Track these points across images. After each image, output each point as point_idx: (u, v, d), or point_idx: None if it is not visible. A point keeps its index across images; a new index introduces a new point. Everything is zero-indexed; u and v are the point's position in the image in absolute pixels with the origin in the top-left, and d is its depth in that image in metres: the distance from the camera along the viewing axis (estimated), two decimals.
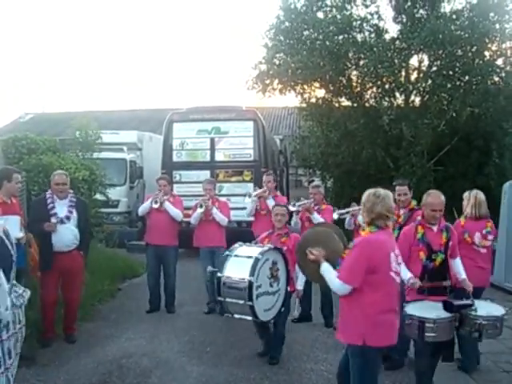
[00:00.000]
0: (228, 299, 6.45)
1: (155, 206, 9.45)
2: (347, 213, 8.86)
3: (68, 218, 7.63)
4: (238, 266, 6.46)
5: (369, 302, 4.52)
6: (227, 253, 6.72)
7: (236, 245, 6.86)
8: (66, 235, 7.59)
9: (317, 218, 8.73)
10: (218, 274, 6.52)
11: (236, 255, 6.63)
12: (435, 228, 5.94)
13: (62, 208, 7.64)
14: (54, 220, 7.47)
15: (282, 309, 6.77)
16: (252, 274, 6.41)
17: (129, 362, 7.12)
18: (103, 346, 7.78)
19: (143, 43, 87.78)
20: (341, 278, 4.60)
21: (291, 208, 9.09)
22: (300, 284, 6.92)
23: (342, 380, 4.99)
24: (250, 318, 6.47)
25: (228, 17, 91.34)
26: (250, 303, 6.36)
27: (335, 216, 8.83)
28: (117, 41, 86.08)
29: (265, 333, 7.31)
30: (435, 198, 5.92)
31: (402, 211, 7.06)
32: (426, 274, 5.78)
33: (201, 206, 9.44)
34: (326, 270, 4.86)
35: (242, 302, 6.36)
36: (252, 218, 9.97)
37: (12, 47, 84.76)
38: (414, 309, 5.33)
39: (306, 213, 8.89)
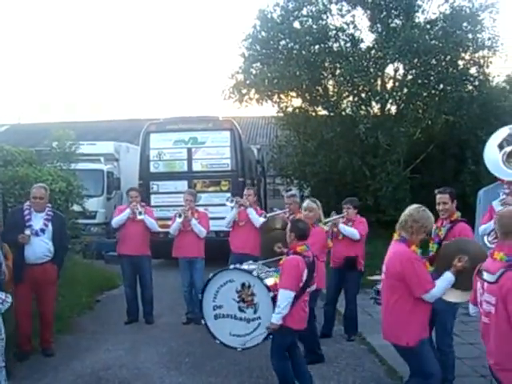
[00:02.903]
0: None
1: (140, 217, 9.47)
2: (329, 222, 8.69)
3: (43, 230, 7.59)
4: None
5: None
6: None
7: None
8: (39, 248, 7.56)
9: None
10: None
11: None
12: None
13: (38, 220, 7.61)
14: (27, 232, 7.42)
15: (270, 337, 6.01)
16: (203, 291, 6.47)
17: (108, 374, 7.10)
18: (82, 358, 7.73)
19: (120, 54, 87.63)
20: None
21: (262, 219, 9.34)
22: (279, 318, 5.72)
23: None
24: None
25: (205, 27, 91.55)
26: (203, 321, 6.43)
27: (325, 228, 8.67)
28: (93, 52, 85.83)
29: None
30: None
31: (444, 222, 6.43)
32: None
33: (179, 216, 9.44)
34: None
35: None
36: (230, 229, 9.96)
37: None
38: None
39: None
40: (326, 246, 7.72)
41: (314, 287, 6.13)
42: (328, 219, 8.61)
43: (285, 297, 5.62)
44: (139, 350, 8.06)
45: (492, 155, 7.62)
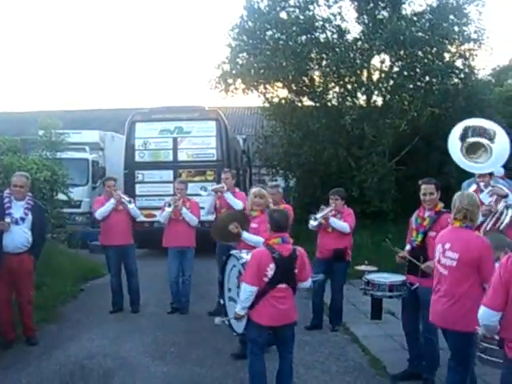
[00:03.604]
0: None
1: (130, 205, 9.62)
2: (322, 217, 8.64)
3: (23, 219, 7.55)
4: None
5: None
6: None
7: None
8: (18, 237, 7.51)
9: None
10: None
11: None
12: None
13: (18, 209, 7.56)
14: (7, 219, 7.38)
15: None
16: (222, 272, 6.48)
17: (92, 363, 7.09)
18: (65, 347, 7.73)
19: (106, 42, 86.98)
20: None
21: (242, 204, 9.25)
22: (240, 308, 5.66)
23: None
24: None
25: (192, 17, 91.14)
26: (221, 300, 6.41)
27: (315, 223, 8.63)
28: (79, 40, 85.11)
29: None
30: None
31: (427, 213, 6.50)
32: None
33: (169, 205, 9.43)
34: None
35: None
36: (212, 217, 9.85)
37: None
38: None
39: None
40: None
41: (306, 284, 5.93)
42: (320, 214, 8.59)
43: (244, 290, 5.53)
44: (124, 340, 8.06)
45: (454, 151, 7.63)
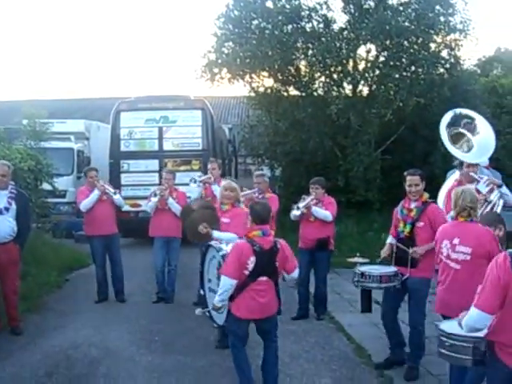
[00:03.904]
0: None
1: (116, 196, 9.58)
2: (304, 206, 8.57)
3: (7, 209, 7.49)
4: None
5: None
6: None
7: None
8: (3, 227, 7.46)
9: None
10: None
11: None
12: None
13: (1, 199, 7.50)
14: None
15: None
16: (201, 263, 6.43)
17: (76, 353, 7.08)
18: (50, 337, 7.70)
19: (90, 31, 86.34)
20: None
21: None
22: (218, 300, 5.57)
23: None
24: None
25: (177, 5, 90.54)
26: (201, 291, 6.37)
27: (298, 213, 8.58)
28: (64, 28, 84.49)
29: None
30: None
31: (413, 204, 6.51)
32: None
33: (155, 195, 9.41)
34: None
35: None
36: None
37: None
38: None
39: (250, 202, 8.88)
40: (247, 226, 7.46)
41: (294, 275, 5.89)
42: (302, 204, 8.59)
43: (223, 283, 5.49)
44: (109, 329, 8.04)
45: (444, 138, 7.74)
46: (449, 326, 4.21)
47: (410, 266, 6.32)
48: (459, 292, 5.20)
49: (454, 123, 7.65)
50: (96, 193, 9.43)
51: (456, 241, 5.25)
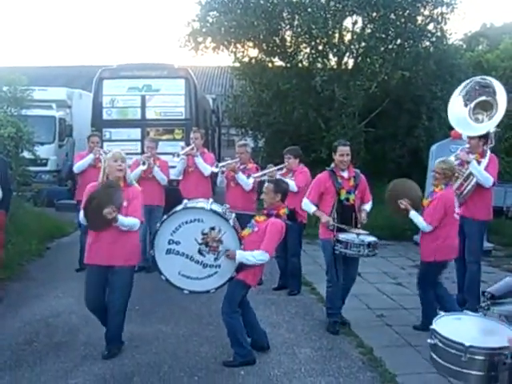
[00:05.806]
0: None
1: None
2: (264, 175, 8.56)
3: None
4: None
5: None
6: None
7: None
8: None
9: (241, 178, 8.75)
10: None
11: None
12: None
13: None
14: None
15: (213, 291, 6.06)
16: (162, 221, 6.04)
17: (57, 321, 7.10)
18: (31, 305, 7.69)
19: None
20: (427, 221, 6.71)
21: (215, 170, 9.18)
22: (238, 259, 5.75)
23: None
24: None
25: None
26: (151, 252, 6.05)
27: (251, 180, 8.71)
28: None
29: None
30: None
31: (345, 173, 7.02)
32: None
33: (143, 164, 9.33)
34: (415, 216, 6.86)
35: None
36: (180, 177, 9.89)
37: None
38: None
39: (231, 172, 8.86)
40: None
41: None
42: (261, 172, 8.61)
43: (262, 258, 5.75)
44: None
45: (457, 110, 7.87)
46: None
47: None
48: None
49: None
50: (91, 156, 9.46)
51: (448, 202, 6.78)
